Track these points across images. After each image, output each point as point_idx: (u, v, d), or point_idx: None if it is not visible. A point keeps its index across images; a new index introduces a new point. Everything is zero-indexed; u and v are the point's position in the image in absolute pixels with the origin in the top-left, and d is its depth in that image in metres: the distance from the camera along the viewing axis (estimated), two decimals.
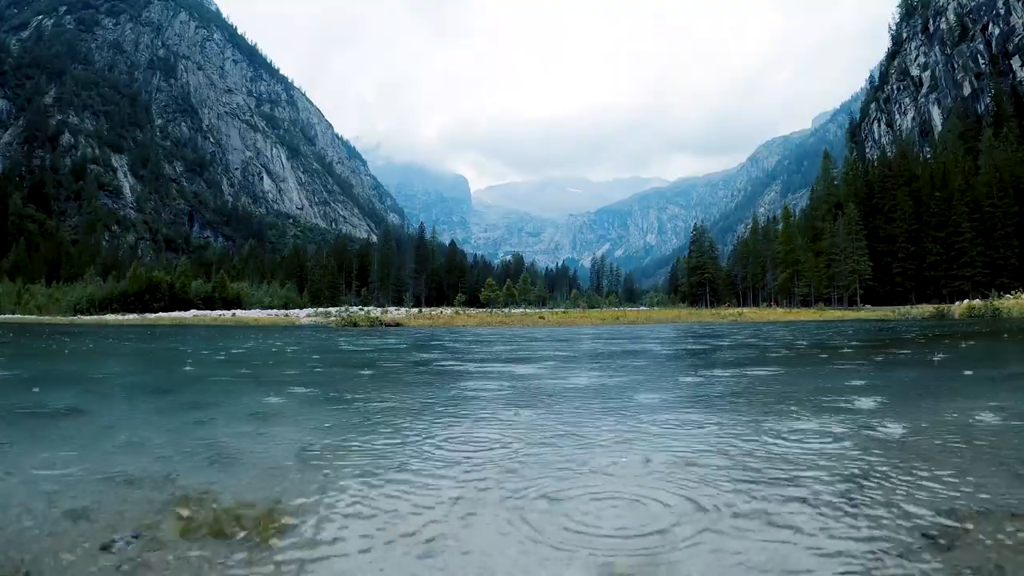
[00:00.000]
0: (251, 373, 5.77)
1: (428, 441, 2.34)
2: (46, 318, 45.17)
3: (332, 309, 43.60)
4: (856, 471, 1.82)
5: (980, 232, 50.99)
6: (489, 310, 44.22)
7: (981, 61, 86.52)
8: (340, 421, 2.82)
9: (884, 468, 1.86)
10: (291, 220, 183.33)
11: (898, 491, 1.59)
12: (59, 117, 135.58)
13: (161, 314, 43.45)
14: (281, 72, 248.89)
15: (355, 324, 20.51)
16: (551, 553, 1.23)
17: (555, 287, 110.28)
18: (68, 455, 2.17)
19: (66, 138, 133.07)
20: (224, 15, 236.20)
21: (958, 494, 1.56)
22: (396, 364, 6.60)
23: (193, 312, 45.01)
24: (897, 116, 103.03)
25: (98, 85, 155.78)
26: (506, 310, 43.62)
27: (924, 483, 1.67)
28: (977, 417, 2.68)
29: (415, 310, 42.06)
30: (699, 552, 1.23)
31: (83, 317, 46.00)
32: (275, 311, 45.71)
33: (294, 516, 1.43)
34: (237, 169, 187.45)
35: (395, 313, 29.66)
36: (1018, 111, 71.00)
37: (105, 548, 1.25)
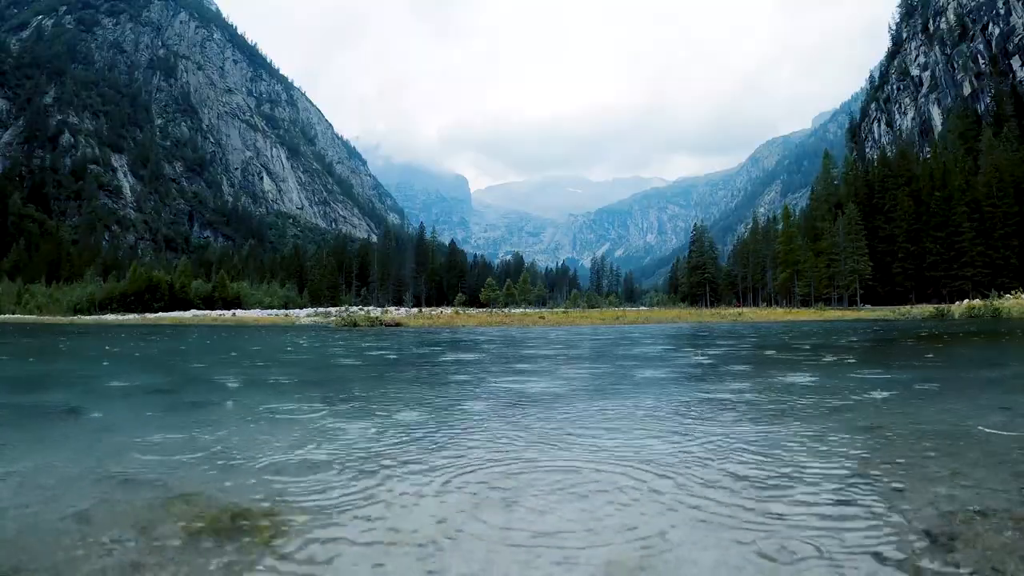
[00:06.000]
0: (251, 373, 5.77)
1: (428, 440, 2.34)
2: (46, 318, 45.20)
3: (332, 309, 43.62)
4: (856, 469, 1.82)
5: (980, 232, 50.98)
6: (489, 310, 44.23)
7: (981, 61, 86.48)
8: (340, 421, 2.82)
9: (884, 466, 1.86)
10: (291, 220, 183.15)
11: (898, 490, 1.59)
12: (59, 117, 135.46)
13: (161, 314, 43.47)
14: (281, 72, 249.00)
15: (355, 324, 20.49)
16: (554, 554, 1.22)
17: (555, 287, 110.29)
18: (68, 455, 2.17)
19: (66, 138, 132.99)
20: (224, 15, 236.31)
21: (958, 494, 1.55)
22: (396, 363, 6.59)
23: (193, 312, 45.03)
24: (897, 116, 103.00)
25: (98, 85, 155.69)
26: (506, 310, 43.62)
27: (924, 482, 1.66)
28: (978, 416, 2.68)
29: (415, 310, 42.05)
30: (698, 550, 1.22)
31: (83, 317, 46.02)
32: (275, 311, 45.71)
33: (295, 516, 1.43)
34: (237, 169, 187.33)
35: (395, 313, 29.65)
36: (1018, 111, 70.95)
37: (105, 548, 1.25)
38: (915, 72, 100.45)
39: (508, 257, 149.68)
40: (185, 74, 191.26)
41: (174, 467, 1.95)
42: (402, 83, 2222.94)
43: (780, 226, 66.37)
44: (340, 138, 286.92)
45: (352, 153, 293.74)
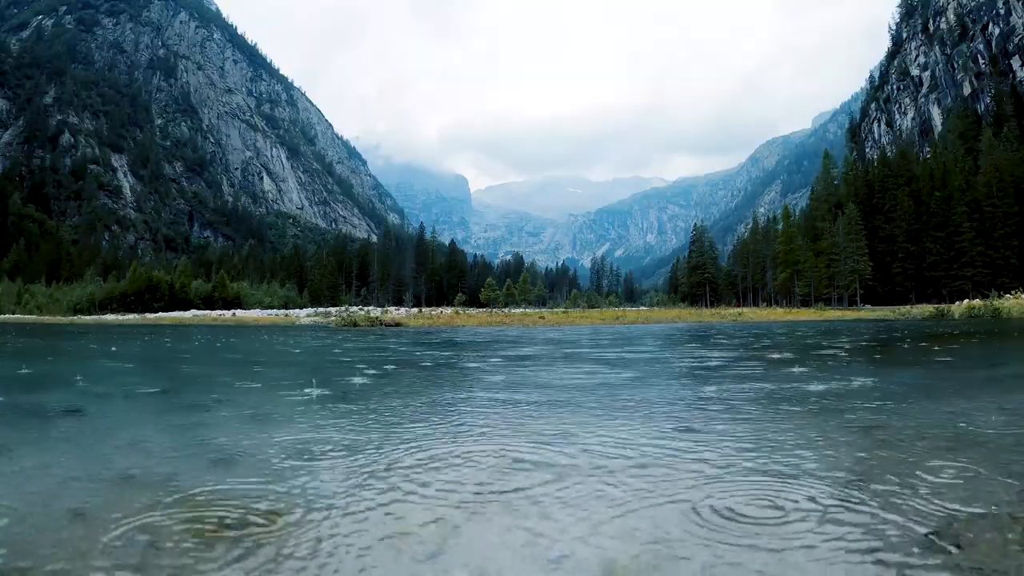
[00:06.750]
0: (251, 373, 5.77)
1: (427, 440, 2.35)
2: (46, 318, 45.18)
3: (332, 309, 43.63)
4: (856, 469, 1.83)
5: (980, 232, 50.97)
6: (489, 310, 44.22)
7: (981, 61, 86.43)
8: (340, 421, 2.82)
9: (884, 467, 1.86)
10: (291, 220, 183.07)
11: (898, 490, 1.59)
12: (59, 117, 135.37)
13: (161, 314, 43.47)
14: (281, 72, 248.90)
15: (355, 324, 20.50)
16: (552, 554, 1.22)
17: (555, 287, 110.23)
18: (68, 455, 2.17)
19: (66, 138, 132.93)
20: (224, 15, 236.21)
21: (958, 494, 1.55)
22: (396, 364, 6.59)
23: (193, 312, 45.03)
24: (897, 116, 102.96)
25: (98, 85, 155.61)
26: (506, 310, 43.61)
27: (925, 483, 1.66)
28: (978, 416, 2.69)
29: (415, 310, 42.05)
30: (697, 550, 1.21)
31: (83, 317, 46.01)
32: (275, 311, 45.72)
33: (295, 516, 1.44)
34: (237, 169, 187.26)
35: (395, 313, 29.66)
36: (1018, 111, 70.92)
37: (105, 548, 1.25)
38: (915, 72, 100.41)
39: (508, 257, 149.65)
40: (185, 74, 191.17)
41: (174, 467, 1.95)
42: (402, 83, 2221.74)
43: (780, 226, 66.35)
44: (340, 138, 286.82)
45: (352, 153, 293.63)
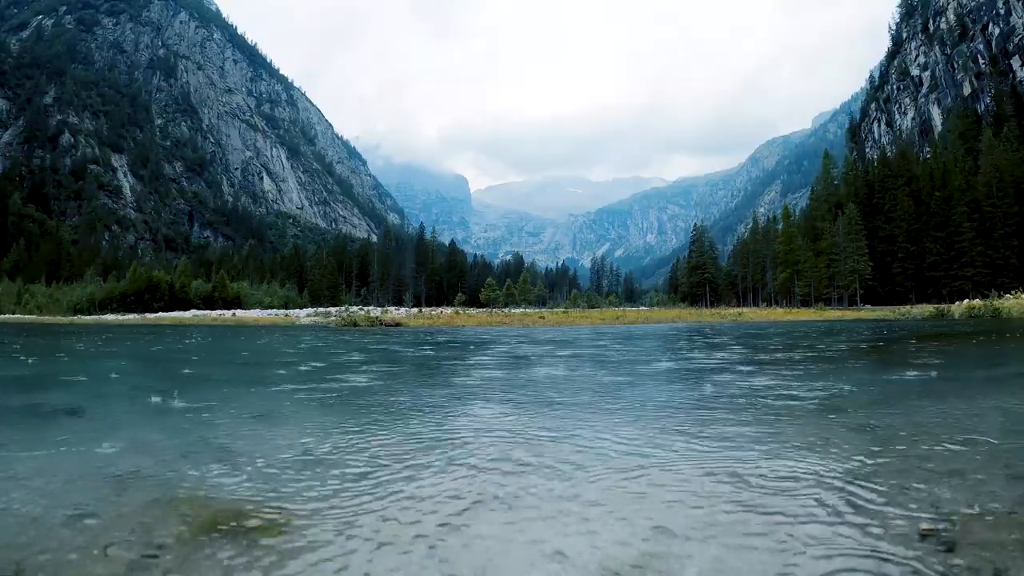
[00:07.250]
0: (251, 374, 5.78)
1: (428, 440, 2.35)
2: (46, 318, 45.16)
3: (332, 309, 43.63)
4: (855, 469, 1.83)
5: (980, 232, 50.96)
6: (489, 310, 44.20)
7: (981, 61, 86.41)
8: (340, 421, 2.82)
9: (883, 467, 1.86)
10: (291, 220, 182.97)
11: (898, 491, 1.59)
12: (59, 117, 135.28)
13: (161, 314, 43.46)
14: (281, 72, 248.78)
15: (355, 324, 20.50)
16: (553, 552, 1.22)
17: (555, 287, 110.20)
18: (68, 455, 2.18)
19: (66, 138, 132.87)
20: (224, 15, 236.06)
21: (958, 494, 1.55)
22: (396, 364, 6.59)
23: (193, 312, 45.02)
24: (897, 116, 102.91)
25: (98, 85, 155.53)
26: (506, 310, 43.59)
27: (923, 482, 1.66)
28: (977, 417, 2.69)
29: (415, 310, 42.04)
30: (698, 549, 1.21)
31: (83, 317, 45.99)
32: (275, 311, 45.71)
33: (295, 516, 1.44)
34: (237, 169, 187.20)
35: (395, 313, 29.65)
36: (1018, 111, 70.89)
37: (105, 548, 1.25)
38: (915, 72, 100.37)
39: (508, 257, 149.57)
40: (185, 74, 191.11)
41: (174, 467, 1.95)
42: (402, 83, 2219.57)
43: (780, 226, 66.30)
44: (340, 138, 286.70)
45: (352, 153, 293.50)
